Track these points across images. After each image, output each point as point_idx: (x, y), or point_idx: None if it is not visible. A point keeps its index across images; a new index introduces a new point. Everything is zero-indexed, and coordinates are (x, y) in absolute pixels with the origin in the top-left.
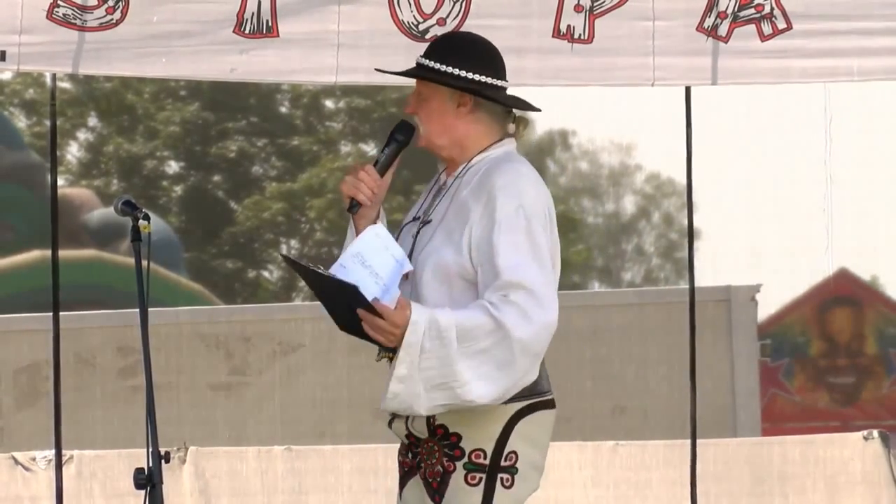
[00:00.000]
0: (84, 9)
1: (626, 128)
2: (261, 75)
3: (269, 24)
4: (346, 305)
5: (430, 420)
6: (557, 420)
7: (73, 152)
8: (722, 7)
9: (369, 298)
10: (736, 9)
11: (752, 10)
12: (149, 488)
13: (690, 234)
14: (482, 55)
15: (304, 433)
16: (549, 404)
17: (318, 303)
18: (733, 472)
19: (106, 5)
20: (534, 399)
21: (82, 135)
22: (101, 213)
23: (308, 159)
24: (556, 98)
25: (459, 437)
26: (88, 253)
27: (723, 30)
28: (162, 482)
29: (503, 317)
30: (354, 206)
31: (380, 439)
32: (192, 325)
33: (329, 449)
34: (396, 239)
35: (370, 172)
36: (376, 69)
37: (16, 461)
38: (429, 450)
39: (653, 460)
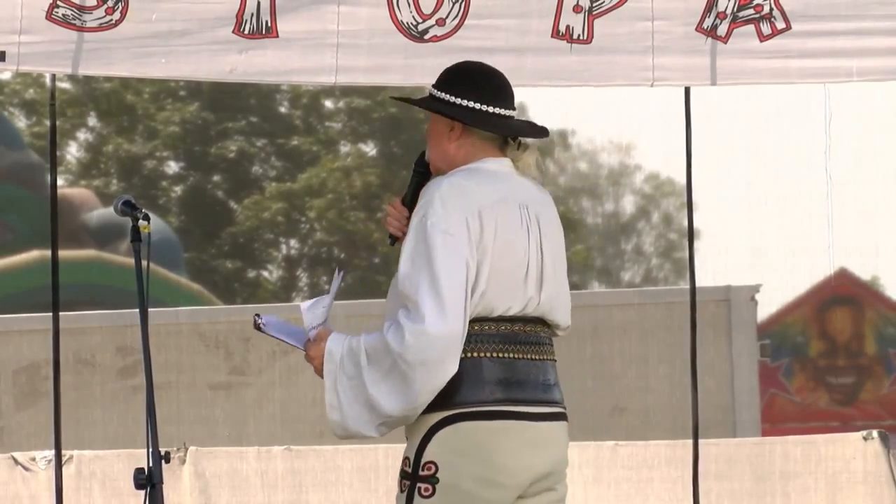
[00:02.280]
0: (83, 9)
1: (626, 128)
2: (260, 75)
3: (269, 24)
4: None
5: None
6: None
7: (72, 152)
8: (721, 7)
9: (301, 345)
10: (735, 9)
11: (752, 11)
12: (149, 488)
13: (690, 233)
14: (478, 83)
15: (304, 433)
16: (479, 416)
17: None
18: (735, 471)
19: (105, 6)
20: (454, 410)
21: (82, 135)
22: (101, 214)
23: (308, 159)
24: (555, 98)
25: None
26: (88, 253)
27: (722, 30)
28: (162, 482)
29: (388, 335)
30: (392, 239)
31: (379, 439)
32: (192, 325)
33: (329, 449)
34: None
35: (397, 207)
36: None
37: (15, 461)
38: None
39: (654, 459)
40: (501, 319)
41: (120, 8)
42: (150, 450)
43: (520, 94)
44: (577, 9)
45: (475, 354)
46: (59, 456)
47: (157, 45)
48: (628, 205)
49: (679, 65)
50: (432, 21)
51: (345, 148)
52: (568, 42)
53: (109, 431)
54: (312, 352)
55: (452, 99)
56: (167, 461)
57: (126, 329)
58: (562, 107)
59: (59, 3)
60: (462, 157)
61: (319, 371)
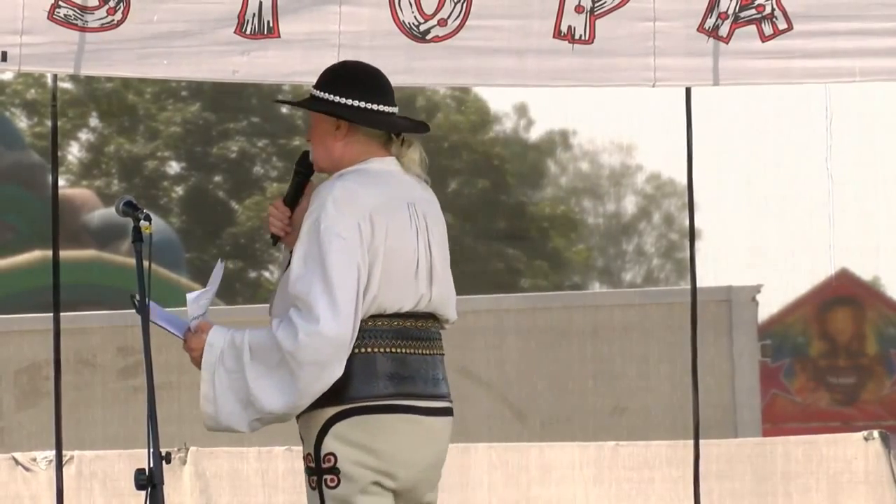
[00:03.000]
0: (85, 9)
1: (627, 128)
2: (262, 76)
3: (270, 24)
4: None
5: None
6: (558, 420)
7: (74, 152)
8: (723, 7)
9: (181, 334)
10: (737, 9)
11: (753, 11)
12: (149, 489)
13: (692, 234)
14: (359, 81)
15: None
16: (373, 409)
17: None
18: (736, 471)
19: (107, 6)
20: (348, 405)
21: (83, 135)
22: (102, 214)
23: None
24: (556, 98)
25: (303, 443)
26: (89, 253)
27: (724, 30)
28: (163, 482)
29: (278, 333)
30: (274, 238)
31: None
32: None
33: None
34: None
35: (278, 207)
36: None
37: (16, 461)
38: None
39: (655, 460)
40: (395, 316)
41: (122, 8)
42: (151, 450)
43: (521, 94)
44: (578, 9)
45: (368, 350)
46: (59, 456)
47: (159, 45)
48: (629, 205)
49: (681, 65)
50: (434, 21)
51: None
52: (570, 42)
53: (110, 432)
54: (192, 343)
55: (336, 98)
56: (168, 461)
57: (127, 329)
58: (563, 107)
59: (60, 3)
60: (348, 156)
61: (198, 362)
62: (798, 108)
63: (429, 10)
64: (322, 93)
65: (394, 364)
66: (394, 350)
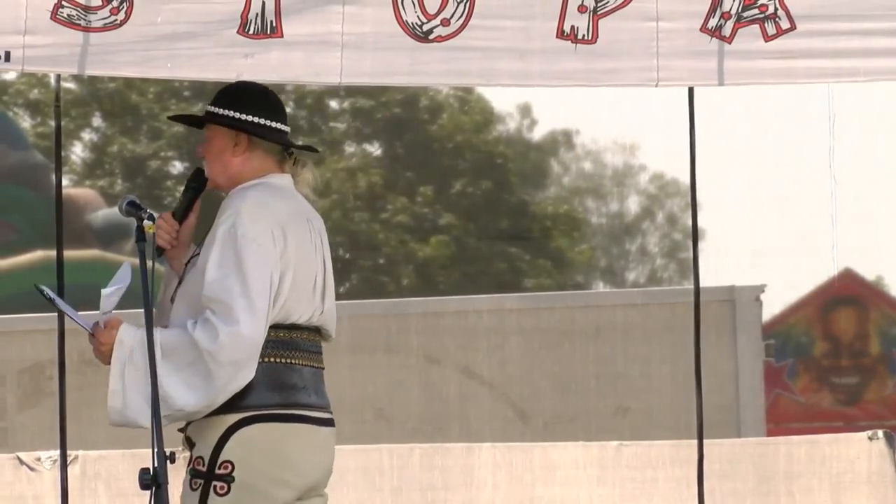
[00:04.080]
0: (88, 9)
1: (630, 128)
2: (265, 76)
3: (274, 24)
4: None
5: (184, 431)
6: (560, 419)
7: (77, 152)
8: (726, 7)
9: (89, 326)
10: (740, 9)
11: (756, 11)
12: (154, 488)
13: (695, 234)
14: (257, 100)
15: None
16: (275, 418)
17: None
18: (739, 471)
19: (110, 6)
20: (252, 412)
21: (86, 135)
22: (106, 214)
23: (312, 160)
24: (559, 98)
25: (194, 446)
26: (92, 253)
27: (727, 30)
28: (167, 482)
29: (195, 332)
30: (158, 251)
31: (384, 439)
32: None
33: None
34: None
35: (167, 220)
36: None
37: (20, 461)
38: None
39: (658, 459)
40: (293, 327)
41: (125, 8)
42: (156, 450)
43: (524, 94)
44: (581, 9)
45: (271, 360)
46: (64, 456)
47: (163, 45)
48: (633, 205)
49: (684, 65)
50: (437, 21)
51: (349, 148)
52: (573, 42)
53: (114, 431)
54: (103, 337)
55: (236, 115)
56: (172, 461)
57: None
58: (566, 107)
59: (63, 3)
60: (247, 172)
61: (107, 357)
62: (800, 108)
63: (432, 9)
64: (221, 109)
65: (293, 375)
66: (293, 361)
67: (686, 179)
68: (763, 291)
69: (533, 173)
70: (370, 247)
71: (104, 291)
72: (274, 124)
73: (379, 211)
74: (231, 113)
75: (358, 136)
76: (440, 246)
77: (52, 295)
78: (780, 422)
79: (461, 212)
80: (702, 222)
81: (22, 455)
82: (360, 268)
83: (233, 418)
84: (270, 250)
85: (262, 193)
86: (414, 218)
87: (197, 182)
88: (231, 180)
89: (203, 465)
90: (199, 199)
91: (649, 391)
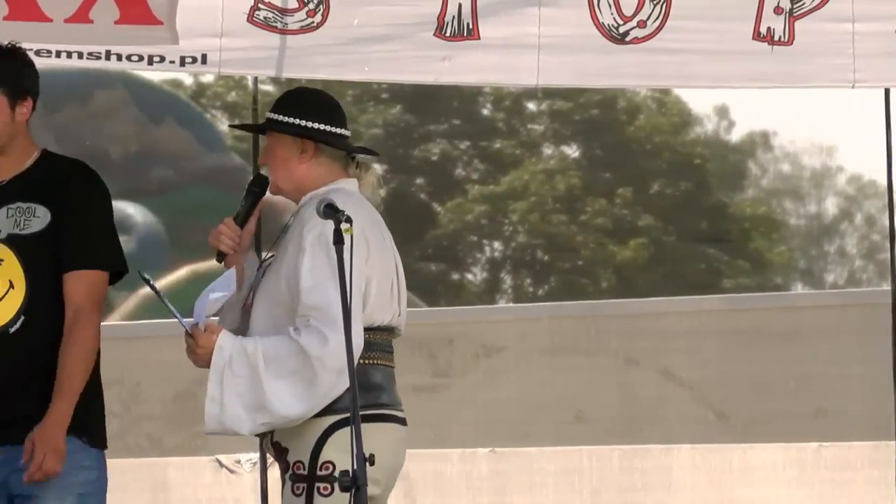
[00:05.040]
0: (284, 12)
1: (827, 129)
2: (462, 78)
3: (470, 26)
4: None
5: (270, 437)
6: (758, 421)
7: None
8: None
9: (188, 326)
10: None
11: None
12: (353, 490)
13: (892, 235)
14: (320, 107)
15: (507, 435)
16: (370, 418)
17: (520, 305)
18: None
19: (306, 8)
20: (346, 414)
21: None
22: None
23: (510, 162)
24: (756, 99)
25: (286, 452)
26: None
27: None
28: (367, 483)
29: (301, 339)
30: (219, 256)
31: (583, 441)
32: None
33: (533, 451)
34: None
35: (229, 225)
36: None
37: (220, 464)
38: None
39: (857, 461)
40: (379, 329)
41: (321, 10)
42: (355, 451)
43: (721, 96)
44: (777, 10)
45: (363, 361)
46: (263, 458)
47: (359, 48)
48: (831, 206)
49: (880, 66)
50: (633, 23)
51: (547, 150)
52: (769, 44)
53: None
54: (202, 340)
55: (301, 122)
56: (371, 463)
57: None
58: (763, 108)
59: (260, 5)
60: (313, 179)
61: (202, 361)
62: None
63: (628, 11)
64: (284, 117)
65: (380, 375)
66: (379, 362)
67: (883, 181)
68: None
69: (731, 174)
70: (569, 249)
71: (212, 295)
72: (338, 130)
73: (578, 213)
74: (296, 120)
75: (556, 137)
76: (639, 248)
77: (154, 284)
78: None
79: (659, 213)
80: None
81: (221, 458)
82: (558, 270)
83: (328, 420)
84: (358, 257)
85: (341, 201)
86: (613, 220)
87: (259, 187)
88: (297, 187)
89: (304, 469)
90: (260, 203)
91: (846, 392)
